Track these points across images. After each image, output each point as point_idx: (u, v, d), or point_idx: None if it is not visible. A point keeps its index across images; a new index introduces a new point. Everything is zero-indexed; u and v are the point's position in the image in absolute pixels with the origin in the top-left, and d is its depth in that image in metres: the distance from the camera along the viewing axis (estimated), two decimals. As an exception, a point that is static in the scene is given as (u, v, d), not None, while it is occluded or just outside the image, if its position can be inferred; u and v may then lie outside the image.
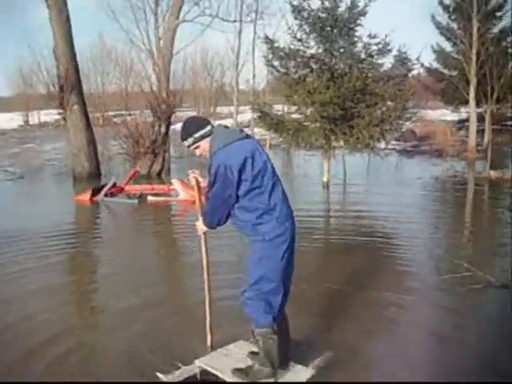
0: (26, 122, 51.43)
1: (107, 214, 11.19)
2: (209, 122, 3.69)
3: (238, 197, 3.51)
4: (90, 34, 61.91)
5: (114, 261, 7.47)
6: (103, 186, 12.34)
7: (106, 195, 11.95)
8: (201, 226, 3.86)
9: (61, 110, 16.29)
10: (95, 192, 11.92)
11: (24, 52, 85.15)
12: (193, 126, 3.66)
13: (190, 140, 3.64)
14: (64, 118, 16.44)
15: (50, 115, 44.25)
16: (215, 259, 5.40)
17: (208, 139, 3.60)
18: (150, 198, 11.71)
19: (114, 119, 27.33)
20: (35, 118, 51.87)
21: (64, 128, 17.93)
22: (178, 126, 18.38)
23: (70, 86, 15.67)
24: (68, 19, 15.85)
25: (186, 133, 3.65)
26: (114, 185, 12.49)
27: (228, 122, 23.26)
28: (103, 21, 75.40)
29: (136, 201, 11.59)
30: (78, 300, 6.13)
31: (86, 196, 11.80)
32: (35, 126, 47.78)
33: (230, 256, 6.77)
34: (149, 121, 16.62)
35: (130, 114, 18.24)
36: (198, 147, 3.67)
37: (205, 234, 4.01)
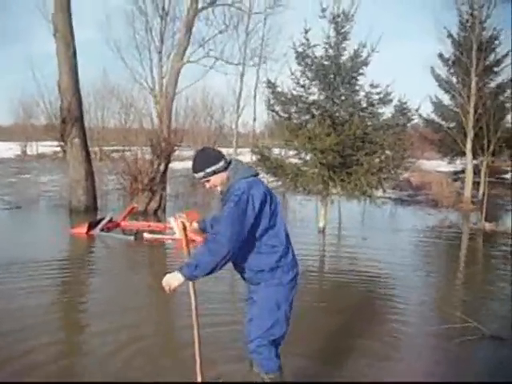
0: (24, 152, 51.52)
1: (102, 247, 11.14)
2: (222, 157, 3.62)
3: (254, 238, 3.44)
4: (93, 68, 62.53)
5: (104, 288, 7.69)
6: (100, 220, 12.34)
7: (102, 230, 11.93)
8: (172, 279, 3.30)
9: (60, 142, 16.33)
10: (92, 225, 11.91)
11: (27, 82, 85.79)
12: (207, 159, 3.60)
13: (201, 174, 3.58)
14: (64, 151, 16.47)
15: (48, 147, 44.45)
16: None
17: (221, 174, 3.57)
18: (146, 235, 11.67)
19: (112, 154, 27.43)
20: (33, 148, 52.00)
21: (61, 160, 17.99)
22: (176, 165, 18.59)
23: (73, 119, 15.73)
24: (75, 54, 15.97)
25: (199, 166, 3.59)
26: (111, 220, 12.50)
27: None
28: (107, 56, 75.97)
29: (132, 237, 11.54)
30: (63, 321, 6.36)
31: (82, 229, 11.77)
32: (33, 157, 47.86)
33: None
34: (147, 157, 16.60)
35: (129, 150, 18.27)
36: (208, 181, 3.63)
37: (193, 282, 3.59)
